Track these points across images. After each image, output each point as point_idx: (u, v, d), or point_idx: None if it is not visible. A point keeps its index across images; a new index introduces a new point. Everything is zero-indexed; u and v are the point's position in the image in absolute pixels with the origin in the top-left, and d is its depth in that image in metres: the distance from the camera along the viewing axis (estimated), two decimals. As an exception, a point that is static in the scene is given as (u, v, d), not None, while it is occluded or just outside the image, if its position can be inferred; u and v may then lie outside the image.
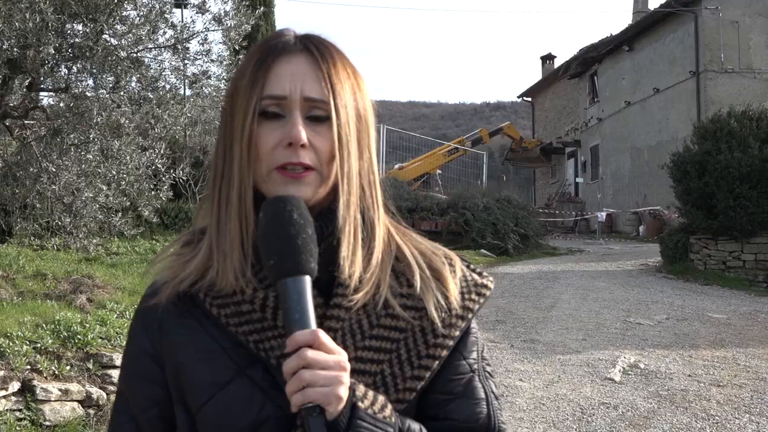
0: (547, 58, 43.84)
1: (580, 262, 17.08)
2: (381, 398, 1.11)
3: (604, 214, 26.74)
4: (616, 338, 8.42)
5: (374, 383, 1.15)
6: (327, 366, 1.02)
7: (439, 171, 25.92)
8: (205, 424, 1.14)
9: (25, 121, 7.59)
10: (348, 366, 1.05)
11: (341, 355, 1.05)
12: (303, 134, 1.14)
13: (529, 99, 44.32)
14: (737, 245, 14.20)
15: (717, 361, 7.47)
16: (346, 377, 1.04)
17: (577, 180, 33.62)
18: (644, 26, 28.44)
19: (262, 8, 8.38)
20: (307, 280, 1.07)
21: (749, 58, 24.74)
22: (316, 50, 1.19)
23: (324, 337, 1.04)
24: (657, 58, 27.82)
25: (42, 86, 7.26)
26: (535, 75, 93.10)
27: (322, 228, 1.17)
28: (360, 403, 1.06)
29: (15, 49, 6.44)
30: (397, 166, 24.79)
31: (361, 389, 1.08)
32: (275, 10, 21.51)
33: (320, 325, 1.13)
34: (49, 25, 6.15)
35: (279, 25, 23.07)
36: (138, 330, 1.24)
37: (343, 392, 1.03)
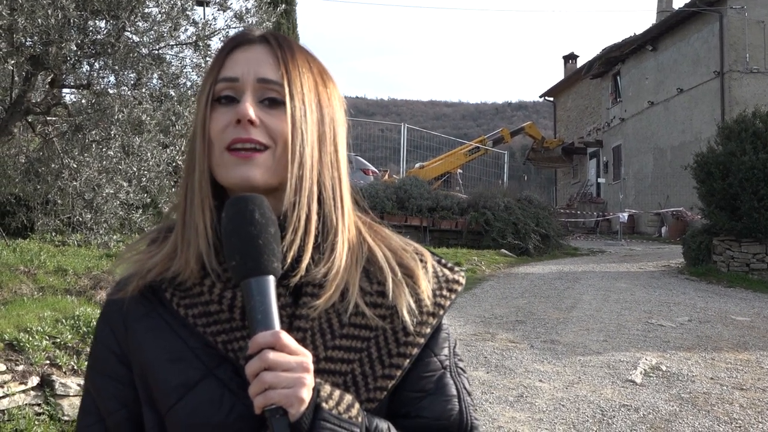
0: (570, 58, 43.68)
1: (601, 262, 16.96)
2: (348, 398, 1.09)
3: (625, 214, 26.53)
4: (637, 340, 8.33)
5: (345, 383, 1.14)
6: (289, 367, 1.01)
7: (459, 170, 25.89)
8: (175, 425, 1.12)
9: (47, 118, 7.62)
10: (311, 367, 1.04)
11: (305, 356, 1.03)
12: (251, 110, 1.13)
13: (551, 99, 44.18)
14: (761, 247, 14.03)
15: (740, 364, 7.38)
16: (308, 378, 1.02)
17: (599, 180, 33.46)
18: (668, 26, 28.23)
19: (283, 6, 8.35)
20: (271, 280, 1.06)
21: (775, 58, 24.49)
22: (275, 40, 1.20)
23: (286, 338, 1.02)
24: (681, 57, 27.61)
25: (64, 83, 7.28)
26: (558, 75, 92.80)
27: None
28: (324, 404, 1.05)
29: (38, 46, 6.47)
30: (417, 165, 24.78)
31: (326, 390, 1.07)
32: (297, 8, 21.60)
33: (289, 324, 1.12)
34: (71, 21, 6.17)
35: (300, 23, 23.15)
36: (104, 327, 1.22)
37: (305, 394, 1.02)
